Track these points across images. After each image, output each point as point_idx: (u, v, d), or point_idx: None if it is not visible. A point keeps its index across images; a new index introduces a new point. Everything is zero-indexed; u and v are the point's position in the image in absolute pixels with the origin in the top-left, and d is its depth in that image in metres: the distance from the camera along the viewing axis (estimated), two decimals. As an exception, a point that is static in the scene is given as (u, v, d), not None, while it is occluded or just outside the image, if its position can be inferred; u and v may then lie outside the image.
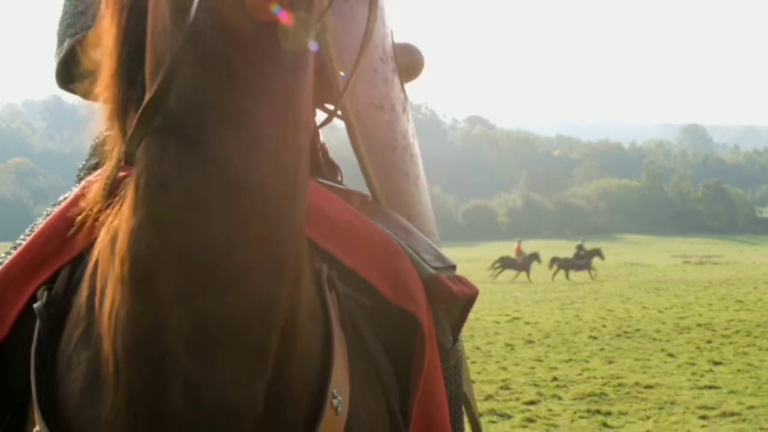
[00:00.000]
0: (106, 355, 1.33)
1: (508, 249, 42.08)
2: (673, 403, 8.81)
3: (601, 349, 12.66)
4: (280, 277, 1.29)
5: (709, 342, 13.17)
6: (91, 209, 1.46)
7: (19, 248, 1.64)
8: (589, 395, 9.14)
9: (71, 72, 2.05)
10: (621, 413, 8.36)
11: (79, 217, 1.49)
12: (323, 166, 2.07)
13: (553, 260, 34.73)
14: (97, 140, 1.86)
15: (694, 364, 11.10)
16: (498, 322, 16.37)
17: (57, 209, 1.70)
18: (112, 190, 1.41)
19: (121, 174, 1.41)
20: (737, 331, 14.36)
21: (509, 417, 8.26)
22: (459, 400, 2.05)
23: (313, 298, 1.50)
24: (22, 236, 1.71)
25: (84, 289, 1.44)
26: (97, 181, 1.50)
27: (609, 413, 8.36)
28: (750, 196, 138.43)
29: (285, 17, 1.17)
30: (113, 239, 1.34)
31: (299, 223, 1.32)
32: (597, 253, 35.66)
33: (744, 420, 8.04)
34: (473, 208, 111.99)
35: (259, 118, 1.23)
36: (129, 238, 1.27)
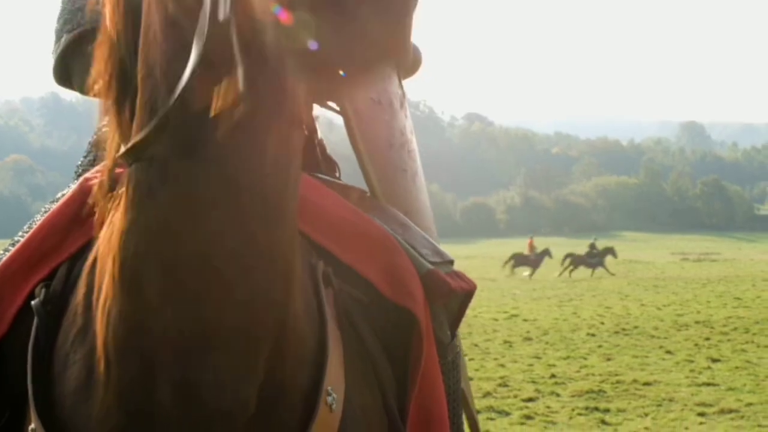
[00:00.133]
0: (98, 352, 1.33)
1: (507, 246, 42.13)
2: (671, 400, 8.80)
3: (600, 346, 12.65)
4: (277, 276, 1.28)
5: (708, 339, 13.16)
6: (92, 206, 1.45)
7: (17, 245, 1.64)
8: (587, 392, 9.13)
9: (69, 68, 2.05)
10: (619, 410, 8.36)
11: (85, 213, 1.48)
12: (321, 162, 2.06)
13: (567, 256, 34.60)
14: (94, 136, 1.86)
15: (692, 361, 11.10)
16: (496, 319, 16.36)
17: (55, 206, 1.69)
18: (113, 186, 1.41)
19: (119, 170, 1.41)
20: (735, 328, 14.34)
21: (507, 414, 8.26)
22: (457, 395, 2.04)
23: (308, 294, 1.49)
24: (20, 233, 1.71)
25: (81, 286, 1.44)
26: (95, 177, 1.49)
27: (607, 410, 8.36)
28: (748, 193, 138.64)
29: (285, 17, 1.16)
30: (112, 235, 1.33)
31: (293, 221, 1.32)
32: (610, 251, 35.50)
33: (742, 417, 8.04)
34: (471, 206, 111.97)
35: (258, 118, 1.22)
36: (119, 239, 1.26)
